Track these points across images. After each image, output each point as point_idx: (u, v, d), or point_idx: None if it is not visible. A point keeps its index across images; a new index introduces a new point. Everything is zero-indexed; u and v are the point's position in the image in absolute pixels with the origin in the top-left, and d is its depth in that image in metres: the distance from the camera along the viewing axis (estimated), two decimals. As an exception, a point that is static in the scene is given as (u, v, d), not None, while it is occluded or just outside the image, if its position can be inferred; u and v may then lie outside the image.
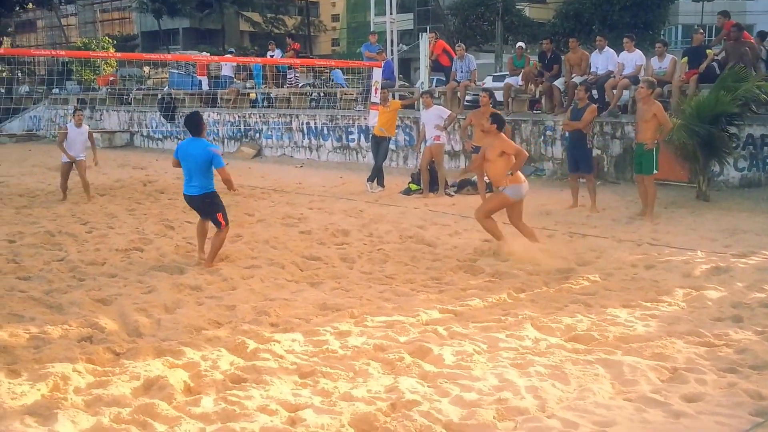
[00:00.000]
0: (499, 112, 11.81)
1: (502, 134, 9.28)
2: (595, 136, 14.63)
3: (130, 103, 27.92)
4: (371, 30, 23.51)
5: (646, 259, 8.57)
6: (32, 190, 14.80)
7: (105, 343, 5.74)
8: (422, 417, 4.37)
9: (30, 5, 39.75)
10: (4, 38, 48.59)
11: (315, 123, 20.77)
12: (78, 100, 29.99)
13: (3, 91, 40.18)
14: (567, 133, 12.87)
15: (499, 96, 16.64)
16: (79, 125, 13.83)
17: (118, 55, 25.03)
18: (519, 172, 9.16)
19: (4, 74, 47.01)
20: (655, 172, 11.05)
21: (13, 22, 64.03)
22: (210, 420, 4.38)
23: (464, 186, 14.21)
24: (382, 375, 5.14)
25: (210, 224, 8.71)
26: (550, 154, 15.95)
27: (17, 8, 37.85)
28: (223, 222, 8.53)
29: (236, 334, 5.98)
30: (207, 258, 8.41)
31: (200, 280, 7.74)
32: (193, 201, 8.58)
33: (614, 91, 14.77)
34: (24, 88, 40.69)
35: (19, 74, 48.74)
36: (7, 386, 4.78)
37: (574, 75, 15.59)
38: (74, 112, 14.20)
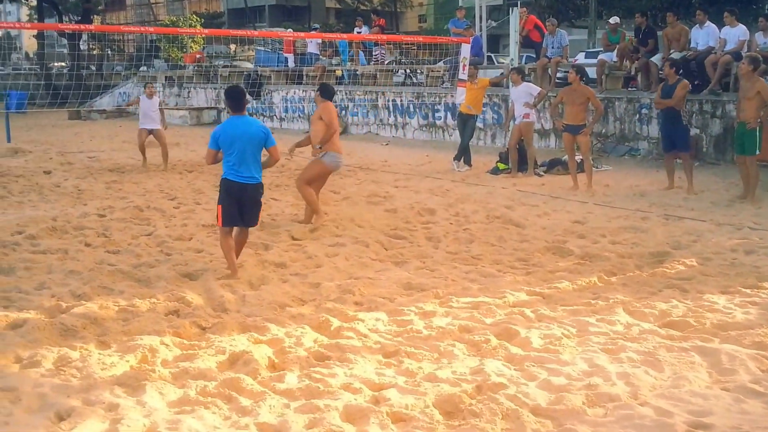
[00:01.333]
0: None
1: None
2: (694, 115, 14.05)
3: (217, 81, 28.33)
4: (459, 5, 23.16)
5: (747, 244, 8.18)
6: (122, 166, 15.13)
7: (191, 317, 5.84)
8: (508, 400, 4.29)
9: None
10: (95, 16, 50.10)
11: (401, 100, 20.64)
12: (166, 77, 30.70)
13: (94, 68, 41.62)
14: (660, 112, 12.37)
15: (592, 72, 16.11)
16: (150, 97, 14.67)
17: (206, 31, 25.31)
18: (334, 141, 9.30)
19: (95, 51, 48.63)
20: (757, 152, 10.50)
21: (104, 1, 65.96)
22: (294, 396, 4.40)
23: (554, 165, 13.87)
24: (468, 357, 5.06)
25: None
26: (646, 134, 15.36)
27: (108, -15, 39.33)
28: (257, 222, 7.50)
29: (320, 311, 5.99)
30: (231, 269, 7.10)
31: (285, 257, 7.78)
32: (246, 192, 7.03)
33: (715, 68, 14.10)
34: (115, 66, 41.97)
35: (109, 52, 50.32)
36: (98, 357, 4.93)
37: (672, 50, 14.96)
38: (146, 84, 14.88)
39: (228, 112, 7.49)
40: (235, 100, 7.14)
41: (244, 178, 6.99)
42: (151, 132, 14.80)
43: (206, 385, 4.49)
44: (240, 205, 7.00)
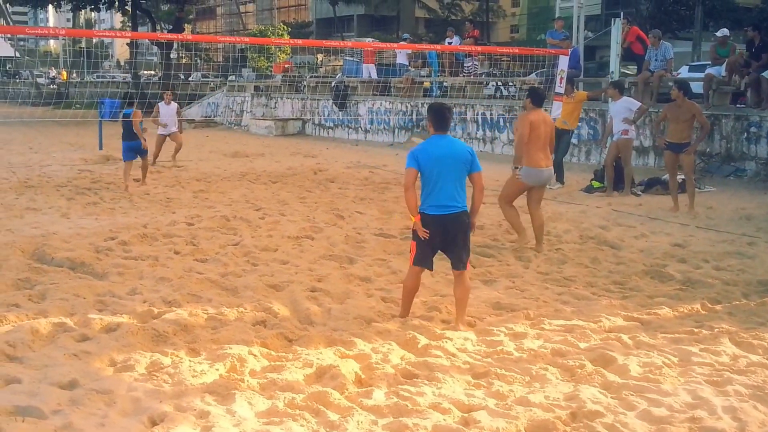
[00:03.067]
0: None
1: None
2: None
3: (303, 91, 28.51)
4: (556, 16, 22.72)
5: None
6: (208, 175, 15.32)
7: (278, 329, 5.87)
8: (606, 429, 4.15)
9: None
10: (186, 25, 51.56)
11: (491, 114, 20.37)
12: (254, 87, 31.13)
13: (183, 77, 42.73)
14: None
15: (696, 87, 15.51)
16: (168, 103, 15.76)
17: (299, 42, 25.70)
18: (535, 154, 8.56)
19: (184, 60, 49.97)
20: None
21: (195, 10, 67.76)
22: (382, 413, 4.35)
23: (653, 185, 13.37)
24: (561, 381, 4.90)
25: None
26: (754, 153, 14.67)
27: (201, -5, 40.62)
28: (467, 264, 6.12)
29: (407, 328, 5.91)
30: (457, 318, 6.05)
31: (370, 271, 7.74)
32: (449, 222, 5.92)
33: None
34: (201, 75, 42.83)
35: (198, 61, 51.63)
36: (188, 364, 4.99)
37: (786, 65, 14.24)
38: (164, 92, 15.69)
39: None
40: (439, 118, 6.07)
41: (449, 204, 5.90)
42: (168, 136, 16.00)
43: (294, 398, 4.48)
44: (444, 240, 5.99)
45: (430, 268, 6.22)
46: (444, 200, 5.86)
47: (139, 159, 13.59)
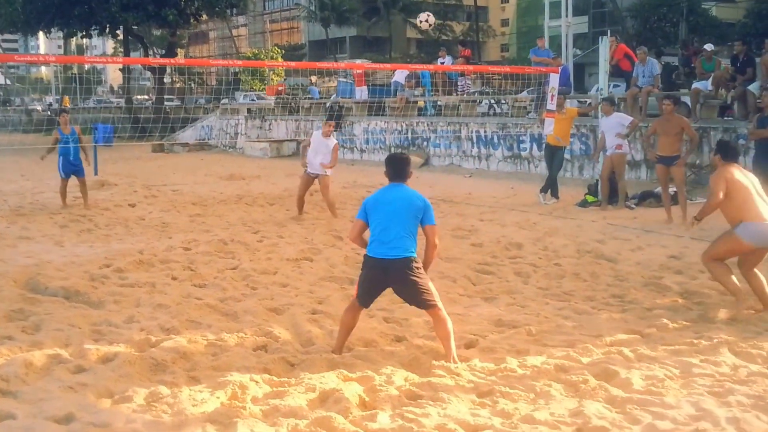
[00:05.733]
0: None
1: None
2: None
3: (298, 112, 28.56)
4: (543, 34, 22.93)
5: None
6: (204, 199, 15.25)
7: (279, 353, 5.79)
8: None
9: (203, 17, 42.06)
10: (179, 49, 51.65)
11: (485, 131, 20.48)
12: (248, 110, 31.19)
13: (178, 101, 42.78)
14: (755, 143, 11.85)
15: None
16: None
17: (293, 64, 25.62)
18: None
19: (178, 85, 50.00)
20: None
21: (187, 34, 67.90)
22: (387, 436, 4.28)
23: (646, 198, 13.46)
24: (566, 397, 4.89)
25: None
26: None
27: (192, 20, 40.05)
28: (435, 302, 5.74)
29: (410, 348, 5.88)
30: (446, 355, 5.68)
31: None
32: (389, 266, 5.66)
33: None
34: (197, 99, 42.81)
35: (192, 85, 51.67)
36: (188, 393, 4.89)
37: (771, 79, 14.41)
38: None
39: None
40: (394, 168, 5.94)
41: (387, 247, 5.67)
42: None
43: (297, 424, 4.42)
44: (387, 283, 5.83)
45: (366, 306, 5.98)
46: (387, 242, 5.65)
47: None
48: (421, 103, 23.71)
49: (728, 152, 7.18)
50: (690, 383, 5.07)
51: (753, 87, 14.71)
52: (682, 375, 5.26)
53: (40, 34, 45.00)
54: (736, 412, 4.54)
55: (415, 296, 5.72)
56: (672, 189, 11.87)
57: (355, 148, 24.74)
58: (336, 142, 12.86)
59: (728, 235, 6.92)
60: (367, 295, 5.84)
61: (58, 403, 4.71)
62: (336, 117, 24.05)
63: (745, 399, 4.75)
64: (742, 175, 7.09)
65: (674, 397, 4.83)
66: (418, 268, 5.67)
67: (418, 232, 5.77)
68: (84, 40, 52.04)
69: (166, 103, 37.29)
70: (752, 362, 5.52)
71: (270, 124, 29.63)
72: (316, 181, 12.57)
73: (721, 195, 6.78)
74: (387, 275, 5.69)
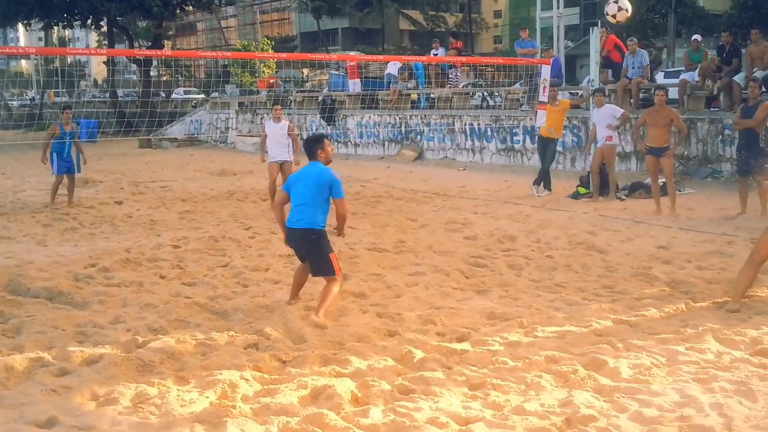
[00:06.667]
0: None
1: None
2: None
3: (290, 106, 28.37)
4: (536, 26, 23.04)
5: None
6: (194, 195, 15.10)
7: (271, 351, 5.69)
8: None
9: (190, 8, 41.32)
10: (166, 41, 50.97)
11: (478, 124, 20.56)
12: (239, 104, 30.67)
13: (164, 94, 42.29)
14: (738, 133, 11.99)
15: (673, 93, 15.79)
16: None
17: (284, 56, 25.20)
18: None
19: (165, 78, 49.28)
20: None
21: (174, 25, 67.20)
22: (380, 432, 4.33)
23: (636, 189, 13.60)
24: (556, 388, 4.97)
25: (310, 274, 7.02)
26: (729, 155, 14.94)
27: (178, 11, 39.41)
28: (336, 269, 6.75)
29: (402, 343, 5.88)
30: (316, 308, 6.58)
31: (364, 287, 7.65)
32: (296, 235, 6.73)
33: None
34: (191, 92, 41.96)
35: (180, 78, 50.95)
36: (176, 393, 4.83)
37: (756, 69, 14.54)
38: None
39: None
40: (307, 148, 6.92)
41: (296, 219, 6.70)
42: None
43: (288, 421, 4.38)
44: (298, 250, 6.92)
45: (303, 262, 6.91)
46: (294, 215, 6.67)
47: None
48: (414, 96, 23.71)
49: None
50: (676, 371, 5.16)
51: (738, 78, 14.86)
52: (668, 363, 5.35)
53: (20, 25, 43.82)
54: (719, 398, 4.64)
55: (314, 263, 6.73)
56: (661, 180, 12.01)
57: (349, 143, 24.72)
58: (288, 123, 13.52)
59: None
60: (299, 257, 6.95)
61: (40, 406, 4.59)
62: (329, 110, 24.06)
63: (728, 385, 4.85)
64: None
65: (660, 384, 4.93)
66: (319, 238, 6.67)
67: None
68: (66, 31, 51.18)
69: (153, 97, 36.87)
70: (735, 349, 5.63)
71: (262, 118, 29.44)
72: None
73: None
74: (297, 242, 6.74)
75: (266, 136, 13.33)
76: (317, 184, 6.66)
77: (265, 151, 13.30)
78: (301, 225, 6.64)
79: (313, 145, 6.88)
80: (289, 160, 13.06)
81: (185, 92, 46.57)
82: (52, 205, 13.35)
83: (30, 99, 53.35)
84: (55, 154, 13.45)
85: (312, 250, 6.71)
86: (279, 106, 13.88)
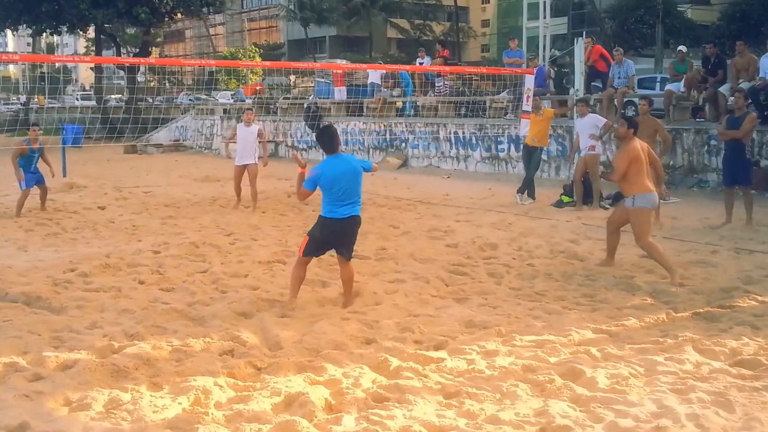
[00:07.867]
0: None
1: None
2: (764, 146, 13.65)
3: (276, 113, 28.28)
4: (523, 35, 23.08)
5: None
6: (178, 201, 15.08)
7: (246, 357, 5.70)
8: None
9: (179, 15, 41.35)
10: (153, 48, 50.87)
11: (463, 132, 20.53)
12: (224, 110, 30.62)
13: (151, 100, 42.30)
14: (725, 144, 12.01)
15: (658, 102, 15.86)
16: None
17: (267, 64, 25.20)
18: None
19: (152, 84, 49.20)
20: None
21: (163, 32, 67.16)
22: (351, 439, 4.28)
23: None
24: (531, 397, 4.93)
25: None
26: (714, 165, 14.98)
27: (166, 18, 39.46)
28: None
29: (379, 351, 5.86)
30: (345, 300, 7.32)
31: (343, 294, 7.61)
32: (349, 225, 7.10)
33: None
34: (174, 98, 41.90)
35: (167, 84, 50.88)
36: (149, 399, 4.81)
37: (741, 80, 14.60)
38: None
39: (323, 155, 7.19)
40: (325, 141, 7.05)
41: (352, 208, 7.04)
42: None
43: (261, 428, 4.37)
44: (341, 239, 7.13)
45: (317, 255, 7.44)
46: (342, 208, 6.99)
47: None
48: (399, 104, 23.66)
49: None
50: (653, 381, 5.14)
51: (724, 89, 14.92)
52: (646, 373, 5.32)
53: (8, 31, 43.89)
54: (696, 409, 4.61)
55: (350, 247, 7.21)
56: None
57: (335, 150, 24.57)
58: (259, 127, 14.02)
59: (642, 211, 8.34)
60: (319, 252, 7.44)
61: (12, 411, 4.58)
62: (313, 118, 23.98)
63: (706, 396, 4.83)
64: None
65: (637, 395, 4.90)
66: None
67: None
68: (54, 37, 51.02)
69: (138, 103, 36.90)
70: (715, 359, 5.61)
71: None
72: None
73: None
74: (345, 230, 7.14)
75: (234, 136, 13.88)
76: (358, 173, 6.99)
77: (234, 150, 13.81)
78: (355, 212, 7.02)
79: (333, 139, 7.03)
80: (254, 162, 13.59)
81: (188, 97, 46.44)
82: (18, 218, 12.90)
83: (21, 104, 53.14)
84: (22, 170, 13.14)
85: (354, 235, 7.21)
86: (251, 111, 14.34)
